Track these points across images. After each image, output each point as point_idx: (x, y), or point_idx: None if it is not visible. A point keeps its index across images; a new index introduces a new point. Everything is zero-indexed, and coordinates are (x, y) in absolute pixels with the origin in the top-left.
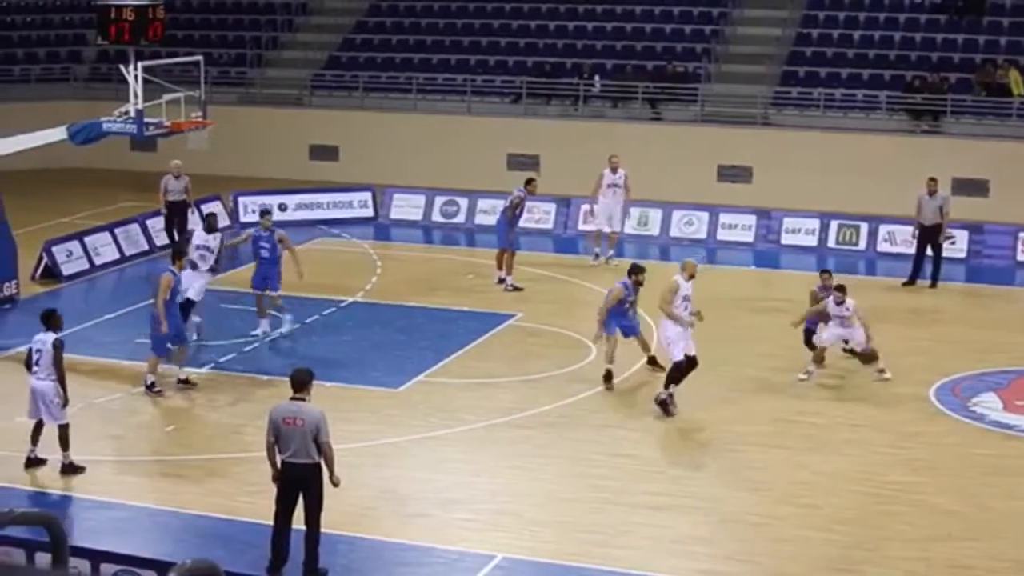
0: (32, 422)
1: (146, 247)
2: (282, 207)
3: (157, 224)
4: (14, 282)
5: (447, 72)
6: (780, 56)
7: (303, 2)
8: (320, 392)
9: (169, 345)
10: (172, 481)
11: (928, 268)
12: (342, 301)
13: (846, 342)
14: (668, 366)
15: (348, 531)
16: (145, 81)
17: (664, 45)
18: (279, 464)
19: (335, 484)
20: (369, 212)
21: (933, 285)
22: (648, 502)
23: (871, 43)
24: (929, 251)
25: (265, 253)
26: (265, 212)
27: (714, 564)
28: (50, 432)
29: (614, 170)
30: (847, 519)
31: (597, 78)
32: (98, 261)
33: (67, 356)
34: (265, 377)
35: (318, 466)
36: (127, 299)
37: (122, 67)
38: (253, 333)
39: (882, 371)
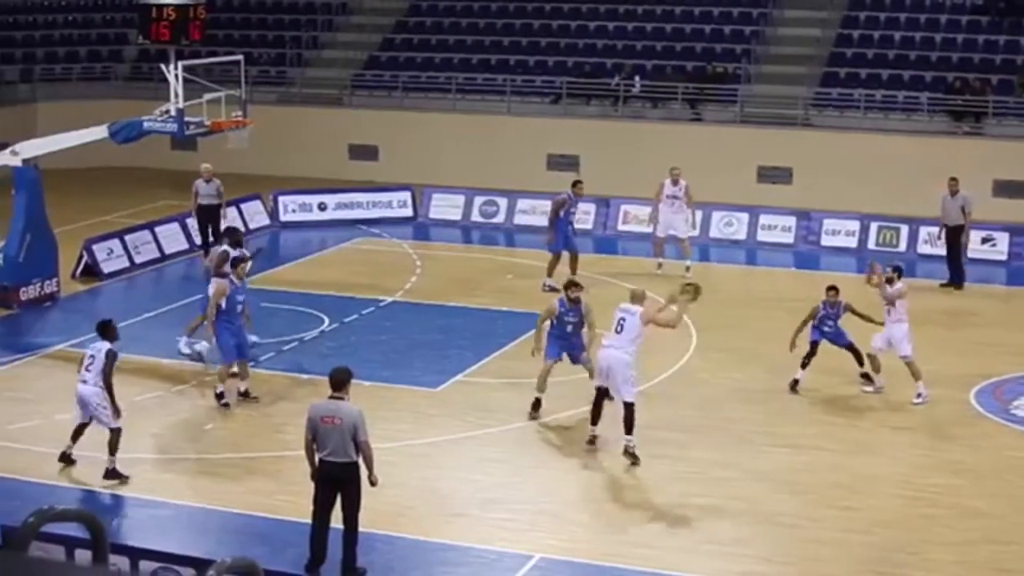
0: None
1: (186, 246)
2: (322, 206)
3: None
4: (55, 280)
5: (487, 72)
6: (820, 57)
7: (343, 2)
8: (359, 391)
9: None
10: (211, 479)
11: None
12: (381, 301)
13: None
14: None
15: (387, 530)
16: (186, 80)
17: (704, 46)
18: (317, 463)
19: (373, 483)
20: (408, 212)
21: (958, 287)
22: (687, 503)
23: (912, 44)
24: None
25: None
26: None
27: (752, 566)
28: (99, 434)
29: (675, 182)
30: (887, 521)
31: (637, 78)
32: (138, 259)
33: None
34: (305, 376)
35: (355, 465)
36: (167, 297)
37: (163, 66)
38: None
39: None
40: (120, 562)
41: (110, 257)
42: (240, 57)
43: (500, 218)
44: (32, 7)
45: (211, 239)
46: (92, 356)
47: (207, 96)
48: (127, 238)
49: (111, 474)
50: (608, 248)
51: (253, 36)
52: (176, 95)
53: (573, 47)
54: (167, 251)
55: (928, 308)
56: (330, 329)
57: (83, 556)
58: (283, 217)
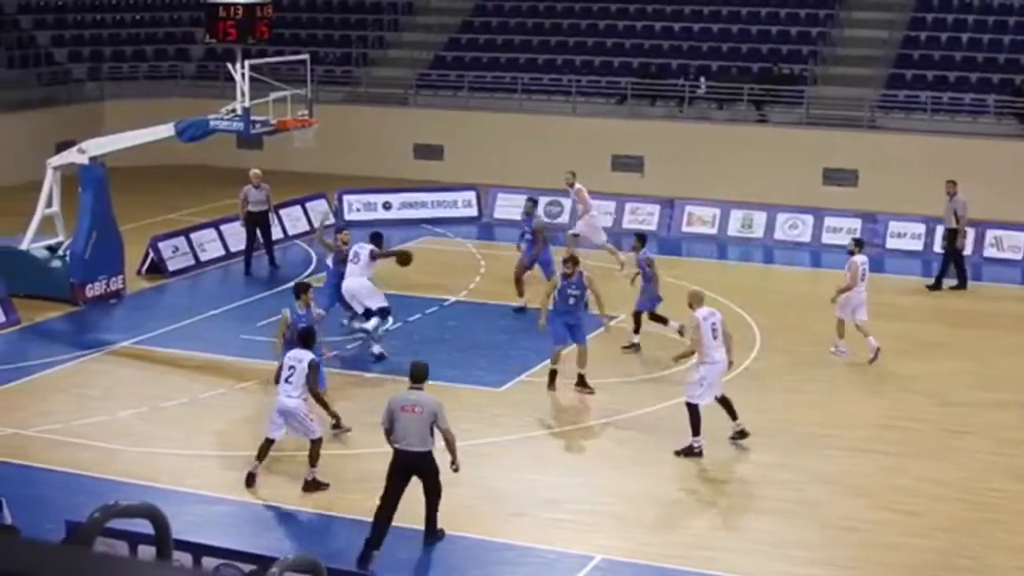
0: (272, 435)
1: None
2: (386, 205)
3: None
4: (120, 277)
5: (552, 72)
6: (887, 58)
7: (409, 1)
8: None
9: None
10: (273, 476)
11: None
12: (445, 300)
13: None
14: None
15: (448, 529)
16: (252, 79)
17: (770, 47)
18: (393, 452)
19: (455, 470)
20: (473, 211)
21: (958, 287)
22: (748, 505)
23: (979, 46)
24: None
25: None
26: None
27: (813, 569)
28: (158, 429)
29: (571, 185)
30: (948, 526)
31: (703, 79)
32: (203, 257)
33: (171, 351)
34: (368, 376)
35: (431, 454)
36: (232, 295)
37: (229, 65)
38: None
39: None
40: (183, 558)
41: (175, 255)
42: (306, 56)
43: (564, 219)
44: (100, 6)
45: (258, 244)
46: (292, 367)
47: (273, 95)
48: (192, 236)
49: (311, 485)
50: (672, 250)
51: (319, 35)
52: (242, 94)
53: (639, 48)
54: (232, 249)
55: (991, 312)
56: (394, 328)
57: (146, 552)
58: (348, 216)
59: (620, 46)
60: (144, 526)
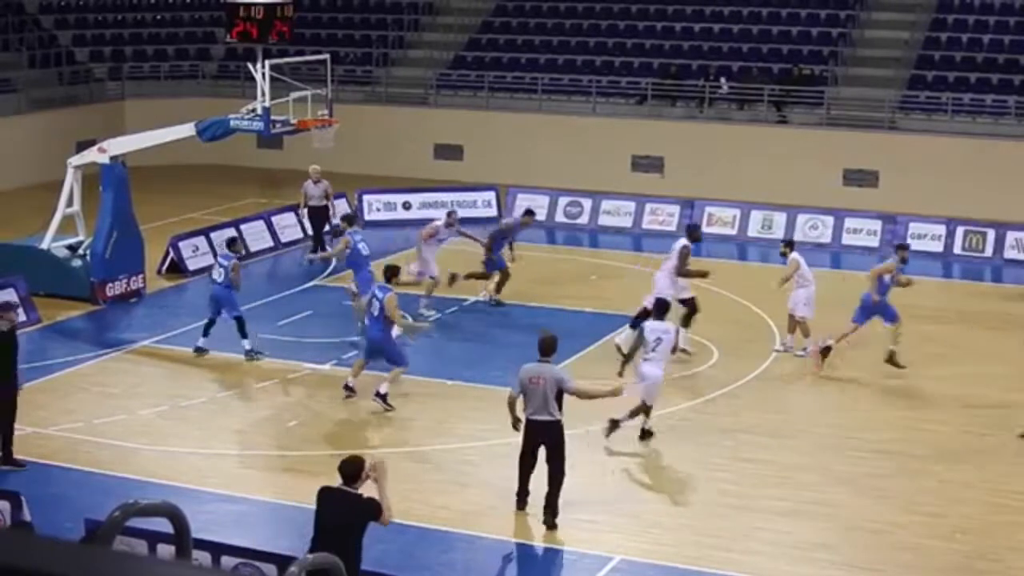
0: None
1: (271, 243)
2: (406, 205)
3: (282, 221)
4: (141, 276)
5: (572, 73)
6: (908, 60)
7: (430, 2)
8: (441, 390)
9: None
10: (293, 476)
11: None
12: (464, 300)
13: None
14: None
15: (468, 529)
16: (272, 79)
17: (790, 48)
18: (524, 421)
19: (617, 393)
20: (493, 211)
21: None
22: (770, 507)
23: (1001, 47)
24: None
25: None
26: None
27: (835, 571)
28: (184, 426)
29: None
30: (970, 529)
31: (723, 80)
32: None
33: (191, 350)
34: (386, 373)
35: (557, 424)
36: (251, 295)
37: (250, 65)
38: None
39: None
40: (202, 557)
41: (195, 254)
42: (326, 56)
43: (584, 219)
44: (122, 6)
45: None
46: (659, 338)
47: (293, 95)
48: (213, 235)
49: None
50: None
51: (340, 35)
52: (263, 94)
53: (659, 48)
54: (252, 248)
55: (1015, 314)
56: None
57: (165, 551)
58: (368, 216)
59: (640, 46)
60: (163, 525)
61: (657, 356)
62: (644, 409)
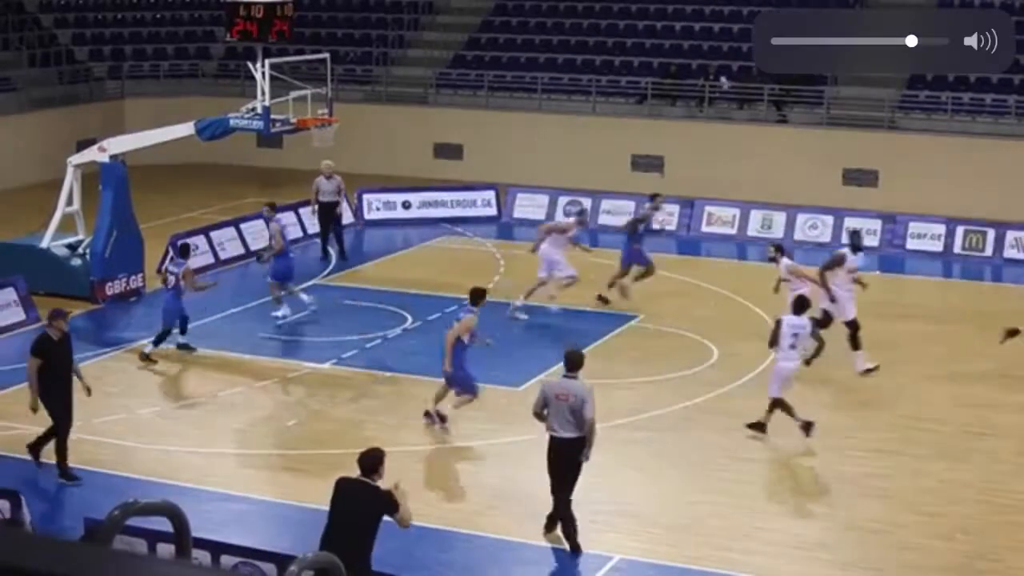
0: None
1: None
2: (406, 205)
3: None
4: (140, 276)
5: (572, 72)
6: None
7: (429, 1)
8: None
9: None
10: (293, 475)
11: None
12: (465, 299)
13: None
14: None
15: (467, 528)
16: (272, 78)
17: None
18: (548, 438)
19: (584, 459)
20: (493, 211)
21: None
22: (770, 507)
23: None
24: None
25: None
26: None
27: (835, 571)
28: (175, 425)
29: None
30: (970, 528)
31: (723, 79)
32: (223, 256)
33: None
34: (387, 373)
35: (580, 441)
36: (251, 294)
37: (249, 64)
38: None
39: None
40: (202, 556)
41: (195, 253)
42: (326, 55)
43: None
44: (121, 5)
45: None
46: (795, 334)
47: (293, 94)
48: (212, 234)
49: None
50: (692, 249)
51: (339, 34)
52: (262, 93)
53: (659, 48)
54: (252, 247)
55: (1015, 313)
56: (413, 327)
57: (165, 550)
58: (368, 215)
59: (640, 46)
60: (163, 524)
61: (794, 353)
62: (776, 403)
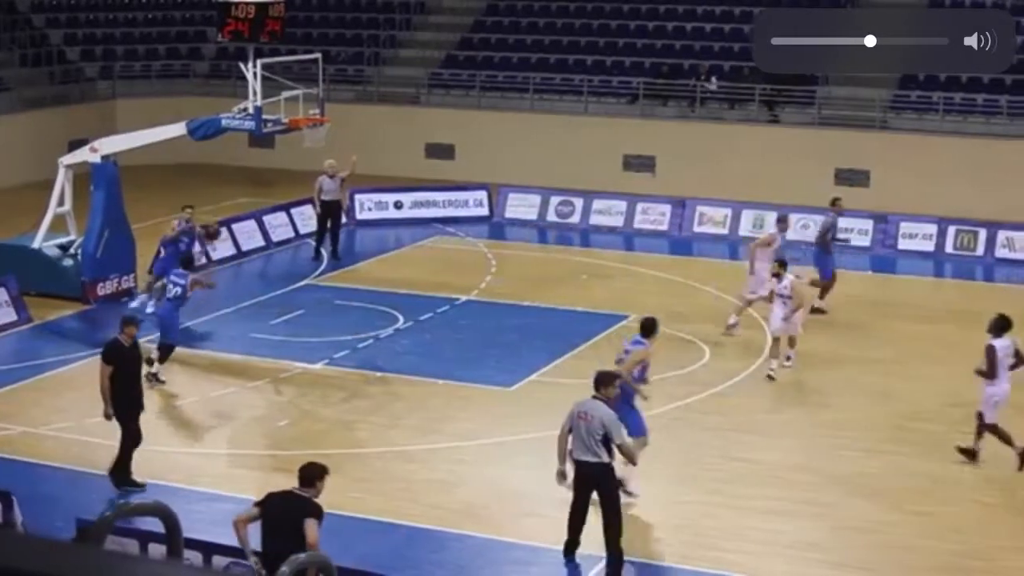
0: None
1: (263, 243)
2: (398, 205)
3: (274, 220)
4: (132, 276)
5: (564, 72)
6: None
7: (421, 1)
8: (431, 389)
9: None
10: (284, 476)
11: None
12: (456, 299)
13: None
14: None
15: (459, 528)
16: (264, 78)
17: None
18: (573, 462)
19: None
20: (484, 211)
21: None
22: (761, 506)
23: None
24: None
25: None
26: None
27: (826, 570)
28: (163, 428)
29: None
30: (961, 527)
31: (714, 79)
32: (215, 256)
33: (182, 349)
34: (378, 374)
35: (606, 466)
36: (243, 293)
37: (241, 64)
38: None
39: (783, 364)
40: (193, 556)
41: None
42: (318, 55)
43: (576, 218)
44: (113, 5)
45: (324, 237)
46: (1008, 354)
47: (285, 94)
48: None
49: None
50: (684, 249)
51: (331, 35)
52: (254, 93)
53: (650, 48)
54: (244, 248)
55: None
56: (405, 327)
57: (157, 550)
58: (360, 215)
59: (632, 46)
60: (155, 524)
61: (1007, 374)
62: (984, 426)
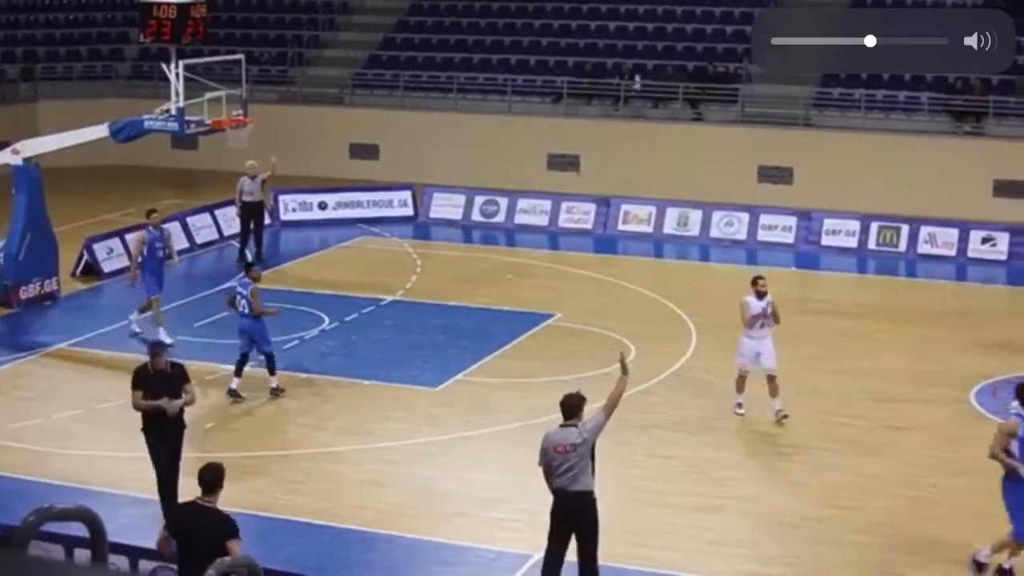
0: None
1: (187, 244)
2: (322, 205)
3: (198, 222)
4: (55, 279)
5: (488, 71)
6: None
7: (344, 1)
8: (358, 390)
9: None
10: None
11: None
12: (382, 300)
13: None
14: None
15: (387, 529)
16: (186, 79)
17: (705, 45)
18: (553, 493)
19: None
20: (409, 211)
21: None
22: (688, 503)
23: None
24: None
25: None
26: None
27: (753, 566)
28: (98, 432)
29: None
30: (888, 522)
31: (638, 78)
32: (139, 258)
33: (107, 352)
34: (304, 375)
35: (588, 496)
36: (169, 296)
37: (164, 65)
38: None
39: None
40: (119, 561)
41: (110, 256)
42: (241, 56)
43: (500, 218)
44: (33, 6)
45: (248, 239)
46: None
47: (208, 95)
48: (127, 237)
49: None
50: (607, 248)
51: (254, 35)
52: (177, 94)
53: (574, 47)
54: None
55: (930, 308)
56: (330, 328)
57: (82, 555)
58: (283, 216)
59: (555, 45)
60: (80, 529)
61: None
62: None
